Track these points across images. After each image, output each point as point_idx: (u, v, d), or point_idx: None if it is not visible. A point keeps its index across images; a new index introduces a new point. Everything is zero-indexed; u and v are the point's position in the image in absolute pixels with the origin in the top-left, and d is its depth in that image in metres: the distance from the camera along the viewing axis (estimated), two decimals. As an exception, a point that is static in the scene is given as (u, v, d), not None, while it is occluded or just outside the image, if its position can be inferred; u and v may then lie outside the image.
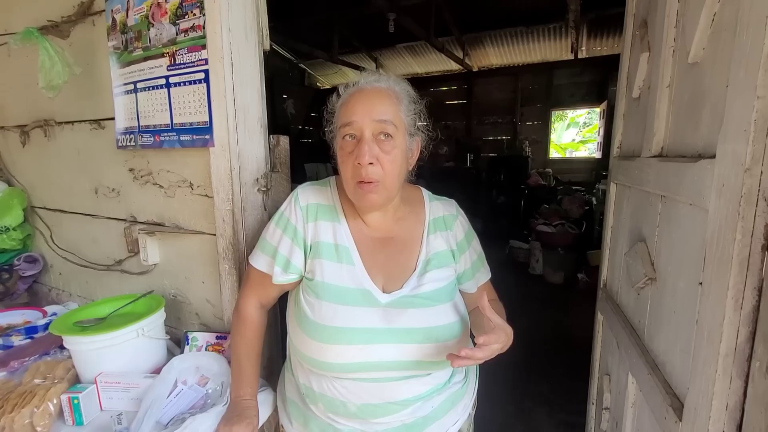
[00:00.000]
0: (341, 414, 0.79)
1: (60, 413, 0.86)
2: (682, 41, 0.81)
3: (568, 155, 8.10)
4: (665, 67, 0.88)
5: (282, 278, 0.82)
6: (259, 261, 0.84)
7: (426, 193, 0.94)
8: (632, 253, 1.03)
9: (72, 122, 1.34)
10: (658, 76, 0.91)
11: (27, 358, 1.00)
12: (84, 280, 1.44)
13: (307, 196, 0.85)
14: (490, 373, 1.41)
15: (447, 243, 0.88)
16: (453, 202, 0.96)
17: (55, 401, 0.84)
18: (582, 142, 8.74)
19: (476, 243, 0.93)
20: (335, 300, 0.77)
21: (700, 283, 0.66)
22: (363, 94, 0.77)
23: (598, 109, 6.26)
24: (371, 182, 0.75)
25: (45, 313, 1.32)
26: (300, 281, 0.84)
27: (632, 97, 1.16)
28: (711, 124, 0.66)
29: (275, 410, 0.95)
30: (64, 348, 0.98)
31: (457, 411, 0.86)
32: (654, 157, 0.92)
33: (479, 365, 0.99)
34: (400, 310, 0.78)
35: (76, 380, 0.94)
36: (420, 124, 0.83)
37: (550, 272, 3.97)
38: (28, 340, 1.12)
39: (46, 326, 1.17)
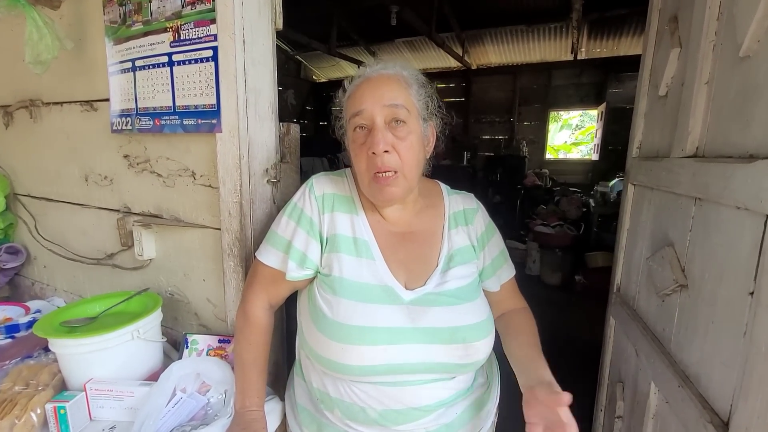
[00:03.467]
0: (360, 421, 0.74)
1: (44, 424, 0.78)
2: (728, 34, 0.77)
3: (560, 157, 8.16)
4: (704, 62, 0.84)
5: (297, 274, 0.77)
6: (269, 257, 0.78)
7: (444, 187, 0.92)
8: (657, 258, 1.00)
9: (61, 103, 1.25)
10: (695, 72, 0.86)
11: (7, 362, 0.92)
12: (71, 274, 1.36)
13: (322, 185, 0.81)
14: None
15: (468, 238, 0.84)
16: (472, 195, 0.92)
17: (38, 411, 0.76)
18: (574, 144, 8.82)
19: (498, 237, 0.90)
20: (355, 297, 0.72)
21: (751, 293, 0.62)
22: (370, 82, 0.74)
23: (594, 112, 6.28)
24: (388, 174, 0.71)
25: (28, 309, 1.23)
26: (313, 278, 0.79)
27: (657, 95, 1.12)
28: (767, 122, 0.62)
29: (284, 421, 0.88)
30: (50, 350, 0.90)
31: (481, 418, 0.82)
32: (689, 157, 0.88)
33: (500, 370, 0.95)
34: (425, 308, 0.73)
35: (62, 387, 0.86)
36: (433, 107, 0.80)
37: (548, 273, 3.96)
38: (9, 340, 1.03)
39: (30, 324, 1.09)
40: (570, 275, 3.84)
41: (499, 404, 0.91)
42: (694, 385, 0.78)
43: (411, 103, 0.74)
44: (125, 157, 1.13)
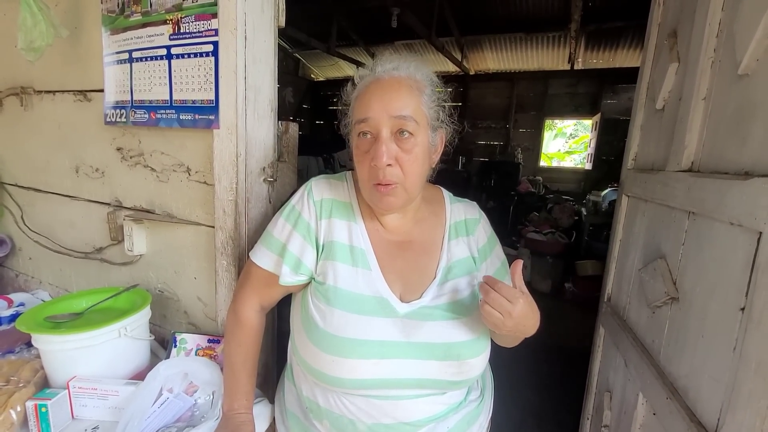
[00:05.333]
0: None
1: (24, 422, 0.75)
2: (727, 52, 0.77)
3: (554, 164, 8.23)
4: (702, 78, 0.85)
5: (290, 279, 0.74)
6: (263, 259, 0.76)
7: (447, 194, 0.88)
8: (649, 270, 1.00)
9: (53, 92, 1.22)
10: (693, 87, 0.87)
11: (-13, 356, 0.89)
12: (57, 267, 1.32)
13: (321, 189, 0.78)
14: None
15: (469, 249, 0.82)
16: (475, 204, 0.90)
17: (18, 408, 0.73)
18: (568, 152, 8.90)
19: (499, 249, 0.87)
20: (348, 308, 0.70)
21: (742, 309, 0.62)
22: (380, 85, 0.70)
23: (588, 122, 6.35)
24: (389, 184, 0.69)
25: (11, 302, 1.20)
26: (308, 284, 0.76)
27: (654, 109, 1.13)
28: (764, 140, 0.62)
29: (272, 424, 0.86)
30: (33, 346, 0.87)
31: None
32: (684, 171, 0.89)
33: (494, 385, 0.94)
34: (419, 323, 0.71)
35: (44, 384, 0.84)
36: (444, 114, 0.76)
37: (538, 280, 3.98)
38: (-10, 333, 1.00)
39: (12, 318, 1.06)
40: (560, 283, 3.86)
41: (492, 417, 0.89)
42: (682, 397, 0.78)
43: (421, 113, 0.70)
44: (118, 149, 1.10)
